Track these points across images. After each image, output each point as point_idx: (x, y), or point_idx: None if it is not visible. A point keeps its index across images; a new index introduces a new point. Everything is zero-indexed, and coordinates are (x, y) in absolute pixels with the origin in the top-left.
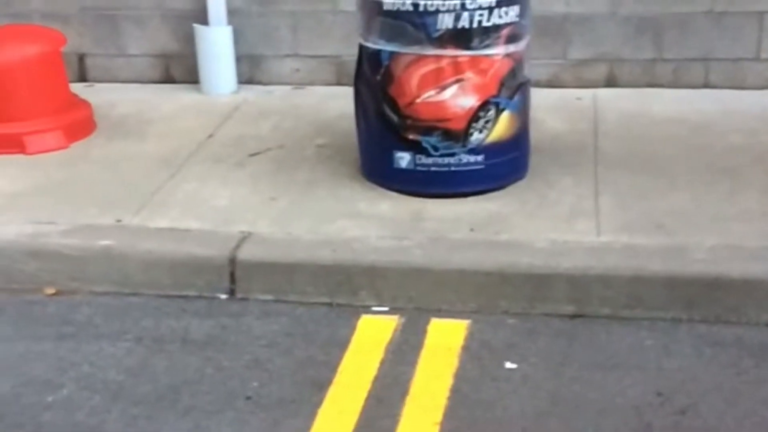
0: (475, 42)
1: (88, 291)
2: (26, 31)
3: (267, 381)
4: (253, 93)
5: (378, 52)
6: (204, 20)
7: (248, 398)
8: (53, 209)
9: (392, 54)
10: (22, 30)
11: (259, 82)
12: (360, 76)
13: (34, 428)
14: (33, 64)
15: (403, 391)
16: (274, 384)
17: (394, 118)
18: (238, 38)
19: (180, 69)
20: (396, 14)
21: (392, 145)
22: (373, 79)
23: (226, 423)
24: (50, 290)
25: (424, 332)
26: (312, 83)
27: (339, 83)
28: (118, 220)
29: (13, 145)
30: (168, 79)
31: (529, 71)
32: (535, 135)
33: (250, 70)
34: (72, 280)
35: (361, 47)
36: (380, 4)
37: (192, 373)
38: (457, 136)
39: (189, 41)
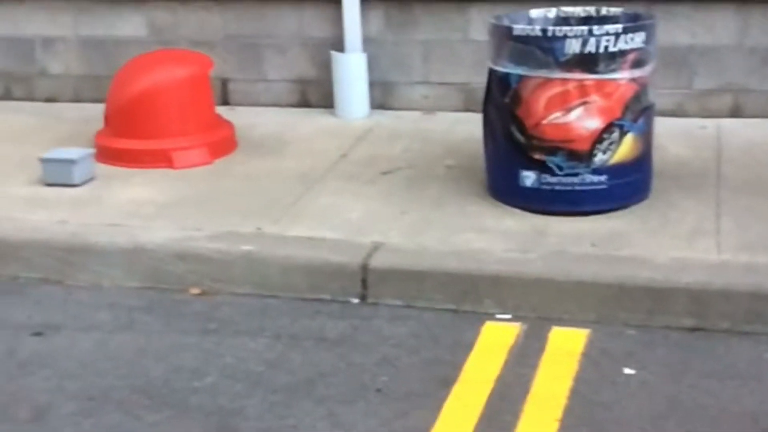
0: (601, 66)
1: (229, 292)
2: (177, 55)
3: (396, 376)
4: (384, 117)
5: (507, 75)
6: (340, 47)
7: (378, 390)
8: (199, 217)
9: (521, 77)
10: (173, 54)
11: (390, 108)
12: (489, 98)
13: (182, 409)
14: (183, 85)
15: (524, 390)
16: (402, 379)
17: (521, 138)
18: (371, 65)
19: (316, 94)
20: (525, 39)
21: (518, 164)
22: (501, 101)
23: (357, 412)
24: (195, 290)
25: (545, 339)
26: (441, 109)
27: (467, 109)
28: (259, 228)
29: (162, 159)
30: (304, 104)
31: (654, 97)
32: (658, 161)
33: (382, 95)
34: (215, 281)
35: (491, 71)
36: (510, 30)
37: (326, 367)
38: (582, 157)
39: (325, 67)
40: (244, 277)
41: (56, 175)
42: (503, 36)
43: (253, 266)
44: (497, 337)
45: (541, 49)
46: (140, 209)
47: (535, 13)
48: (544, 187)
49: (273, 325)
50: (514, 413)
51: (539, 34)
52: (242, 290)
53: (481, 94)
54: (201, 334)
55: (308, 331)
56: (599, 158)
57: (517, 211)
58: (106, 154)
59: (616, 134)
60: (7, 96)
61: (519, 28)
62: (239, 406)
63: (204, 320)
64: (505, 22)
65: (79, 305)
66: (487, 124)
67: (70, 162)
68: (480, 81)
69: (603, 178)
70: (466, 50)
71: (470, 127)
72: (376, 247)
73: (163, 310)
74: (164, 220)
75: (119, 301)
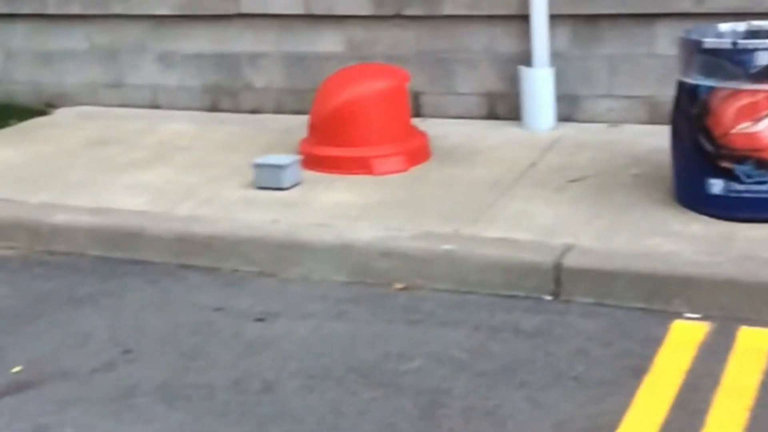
0: None
1: (430, 287)
2: (377, 69)
3: (590, 366)
4: (570, 129)
5: (696, 86)
6: (528, 62)
7: (574, 378)
8: (399, 219)
9: (710, 88)
10: (373, 68)
11: (576, 120)
12: (678, 109)
13: (394, 388)
14: (383, 97)
15: (714, 382)
16: (597, 369)
17: (709, 147)
18: (558, 79)
19: (504, 106)
20: (715, 52)
21: (706, 172)
22: (690, 111)
23: (555, 396)
24: (399, 285)
25: (733, 337)
26: (625, 121)
27: (652, 122)
28: (456, 230)
29: (363, 166)
30: (492, 116)
31: None
32: None
33: (568, 108)
34: (418, 277)
35: (680, 83)
36: (701, 43)
37: (524, 356)
38: None
39: (513, 81)
40: (444, 274)
41: (267, 179)
42: (693, 49)
43: (453, 264)
44: (686, 334)
45: (731, 61)
46: (345, 211)
47: (725, 27)
48: (732, 194)
49: (472, 317)
50: (705, 402)
51: (729, 47)
52: (442, 286)
53: (666, 108)
54: (406, 324)
55: (505, 323)
56: None
57: (704, 217)
58: (311, 161)
59: None
60: (215, 108)
61: (709, 42)
62: (446, 387)
63: (408, 312)
64: (695, 36)
65: (294, 296)
66: (675, 133)
67: (280, 167)
68: (665, 94)
69: None
70: (652, 64)
71: (655, 139)
72: (568, 248)
73: (370, 302)
74: (368, 220)
75: (329, 294)
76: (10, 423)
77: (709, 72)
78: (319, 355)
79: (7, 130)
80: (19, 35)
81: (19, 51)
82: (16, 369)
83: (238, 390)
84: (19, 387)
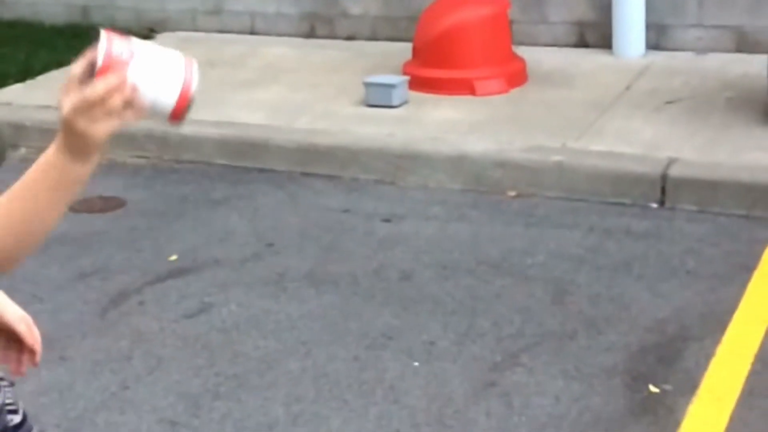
0: None
1: (543, 195)
2: None
3: (701, 262)
4: (659, 57)
5: None
6: None
7: (688, 272)
8: (509, 134)
9: None
10: None
11: (665, 48)
12: None
13: (523, 278)
14: (485, 22)
15: None
16: (708, 264)
17: None
18: (648, 8)
19: (594, 35)
20: None
21: None
22: None
23: (673, 286)
24: (512, 193)
25: None
26: (713, 50)
27: (738, 51)
28: (563, 143)
29: (466, 87)
30: (582, 44)
31: None
32: None
33: (657, 37)
34: (530, 186)
35: None
36: None
37: (638, 253)
38: None
39: (604, 10)
40: (554, 183)
41: (378, 97)
42: None
43: (563, 174)
44: None
45: None
46: (455, 126)
47: None
48: None
49: (585, 221)
50: None
51: None
52: (553, 194)
53: (753, 38)
54: (524, 226)
55: (617, 226)
56: None
57: None
58: (416, 82)
59: None
60: (312, 34)
61: None
62: (570, 278)
63: (524, 216)
64: None
65: (414, 201)
66: None
67: (391, 86)
68: (752, 24)
69: None
70: None
71: (743, 66)
72: (672, 161)
73: (488, 207)
74: (478, 134)
75: (447, 199)
76: (179, 301)
77: None
78: (448, 250)
79: None
80: None
81: None
82: (173, 257)
83: (378, 278)
84: (179, 272)
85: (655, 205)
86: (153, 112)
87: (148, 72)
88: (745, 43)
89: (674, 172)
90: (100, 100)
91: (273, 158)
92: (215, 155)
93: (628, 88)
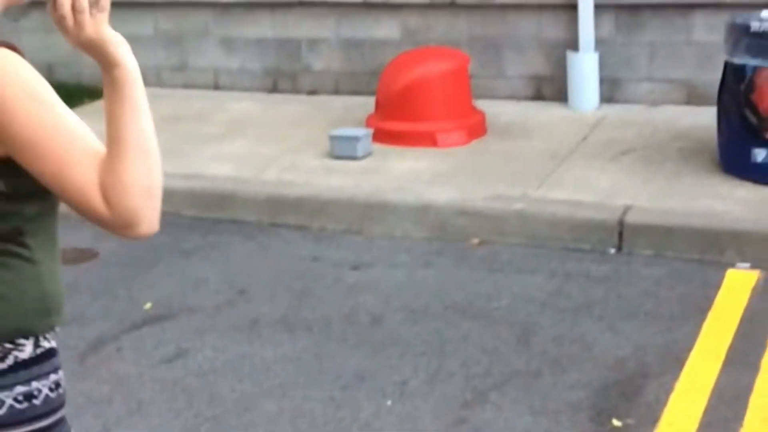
0: None
1: (505, 242)
2: (440, 52)
3: (658, 304)
4: (613, 109)
5: (743, 66)
6: (575, 47)
7: (646, 313)
8: (471, 183)
9: (755, 68)
10: (437, 51)
11: (618, 101)
12: (724, 86)
13: (490, 320)
14: (447, 76)
15: None
16: (665, 306)
17: (754, 120)
18: (602, 63)
19: (550, 88)
20: (761, 35)
21: (751, 143)
22: (737, 88)
23: (632, 327)
24: (476, 240)
25: None
26: (664, 103)
27: (689, 103)
28: (524, 192)
29: (428, 139)
30: (539, 97)
31: None
32: None
33: (610, 90)
34: (493, 233)
35: (726, 63)
36: (748, 27)
37: (599, 296)
38: None
39: (559, 64)
40: (516, 231)
41: (342, 149)
42: (741, 33)
43: (524, 221)
44: (740, 280)
45: None
46: (419, 177)
47: (766, 13)
48: None
49: (547, 266)
50: (765, 331)
51: None
52: (515, 241)
53: (702, 90)
54: (488, 271)
55: (577, 271)
56: None
57: (749, 183)
58: (379, 135)
59: None
60: (275, 89)
61: (756, 26)
62: (534, 320)
63: (488, 262)
64: (743, 21)
65: (381, 249)
66: (721, 108)
67: (355, 139)
68: (701, 78)
69: None
70: (689, 51)
71: (694, 117)
72: (628, 208)
73: (453, 254)
74: (442, 184)
75: (413, 247)
76: (156, 347)
77: (756, 53)
78: (416, 295)
79: (84, 108)
80: None
81: None
82: (148, 305)
83: (350, 322)
84: (155, 319)
85: (613, 251)
86: None
87: None
88: (694, 96)
89: (630, 218)
90: (69, 7)
91: (242, 209)
92: (185, 207)
93: (584, 139)
